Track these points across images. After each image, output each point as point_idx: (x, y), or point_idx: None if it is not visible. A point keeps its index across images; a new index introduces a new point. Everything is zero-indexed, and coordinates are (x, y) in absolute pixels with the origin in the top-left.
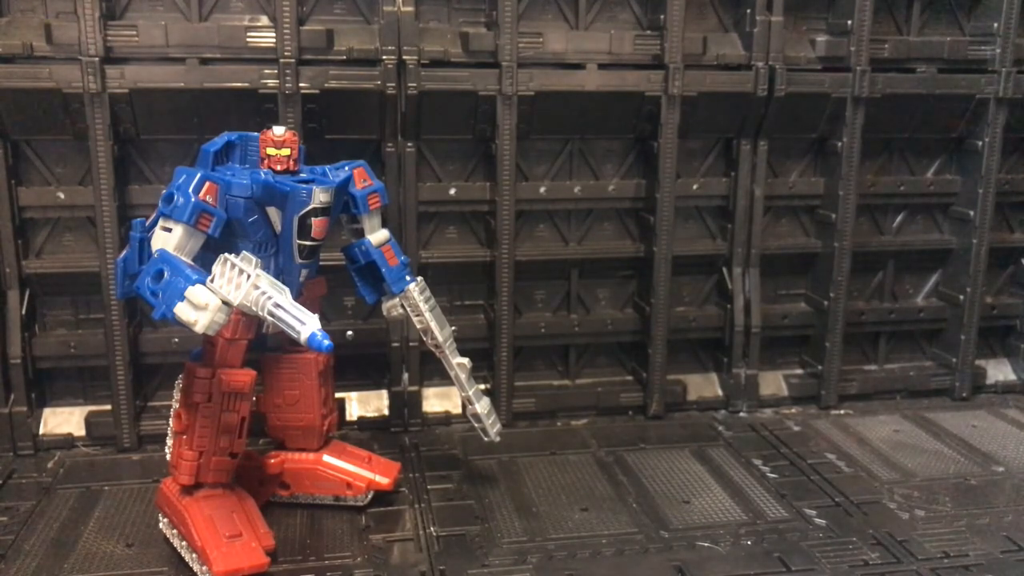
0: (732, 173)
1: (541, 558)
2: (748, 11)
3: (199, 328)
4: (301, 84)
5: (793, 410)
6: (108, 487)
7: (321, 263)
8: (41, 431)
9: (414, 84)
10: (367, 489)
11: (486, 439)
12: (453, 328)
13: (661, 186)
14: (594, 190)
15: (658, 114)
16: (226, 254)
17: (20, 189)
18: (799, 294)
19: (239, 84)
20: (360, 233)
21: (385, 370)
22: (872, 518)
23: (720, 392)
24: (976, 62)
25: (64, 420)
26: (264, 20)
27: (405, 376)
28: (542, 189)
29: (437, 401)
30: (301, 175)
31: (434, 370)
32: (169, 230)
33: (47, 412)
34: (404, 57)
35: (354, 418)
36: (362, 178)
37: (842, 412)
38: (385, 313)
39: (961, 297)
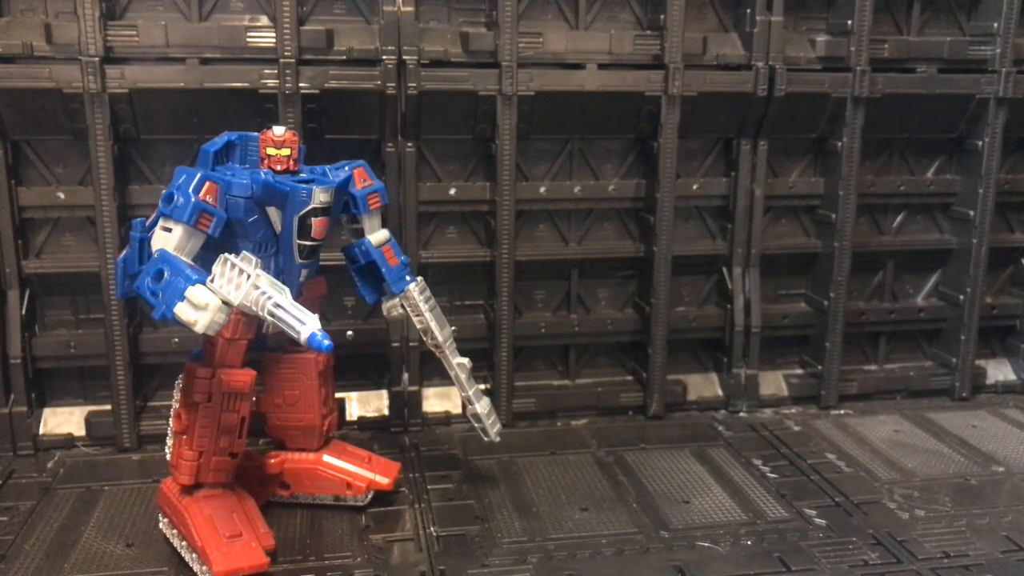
0: (732, 173)
1: (541, 558)
2: (748, 11)
3: (199, 328)
4: (301, 84)
5: (793, 410)
6: (108, 487)
7: (321, 263)
8: (41, 431)
9: (414, 84)
10: (367, 489)
11: (486, 439)
12: (453, 328)
13: (661, 186)
14: (594, 190)
15: (658, 114)
16: (226, 254)
17: (20, 189)
18: (799, 294)
19: (239, 84)
20: (360, 233)
21: (385, 370)
22: (872, 518)
23: (720, 392)
24: (976, 62)
25: (64, 420)
26: (264, 20)
27: (405, 376)
28: (542, 189)
29: (437, 401)
30: (301, 175)
31: (434, 370)
32: (169, 230)
33: (47, 412)
34: (404, 57)
35: (354, 418)
36: (362, 178)
37: (842, 412)
38: (385, 313)
39: (961, 297)
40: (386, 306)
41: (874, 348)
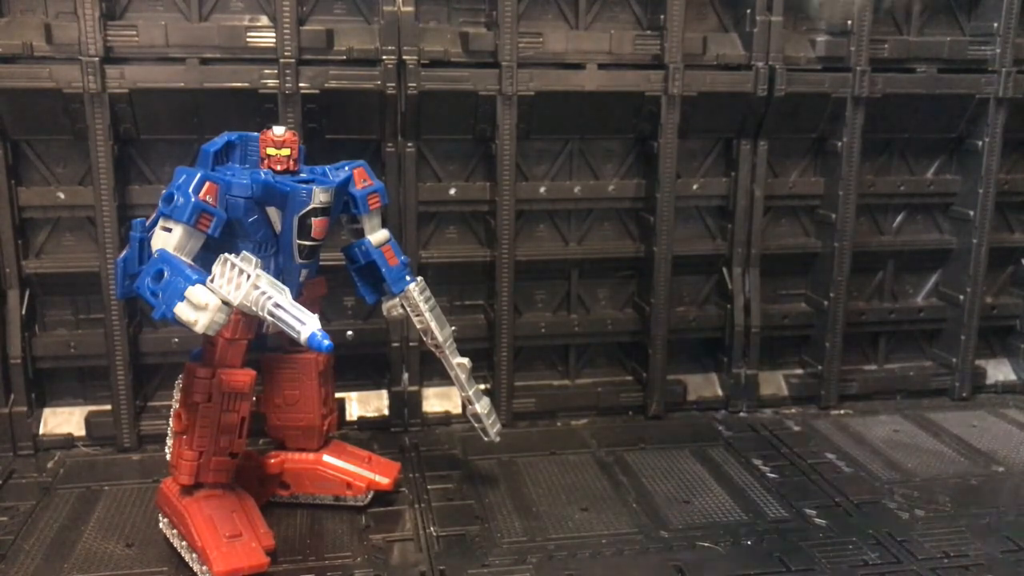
0: (732, 173)
1: (541, 558)
2: (748, 11)
3: (199, 328)
4: (301, 84)
5: (793, 410)
6: (108, 487)
7: (321, 263)
8: (41, 431)
9: (414, 84)
10: (367, 489)
11: (486, 439)
12: (453, 328)
13: (661, 186)
14: (594, 190)
15: (658, 114)
16: (226, 254)
17: (20, 189)
18: (799, 294)
19: (239, 84)
20: (360, 233)
21: (385, 370)
22: (872, 518)
23: (720, 392)
24: (976, 62)
25: (64, 420)
26: (264, 20)
27: (405, 376)
28: (542, 189)
29: (437, 401)
30: (301, 175)
31: (434, 370)
32: (169, 230)
33: (47, 412)
34: (404, 57)
35: (354, 418)
36: (362, 178)
37: (842, 412)
38: (385, 313)
39: (961, 297)
40: (386, 306)
41: (874, 348)
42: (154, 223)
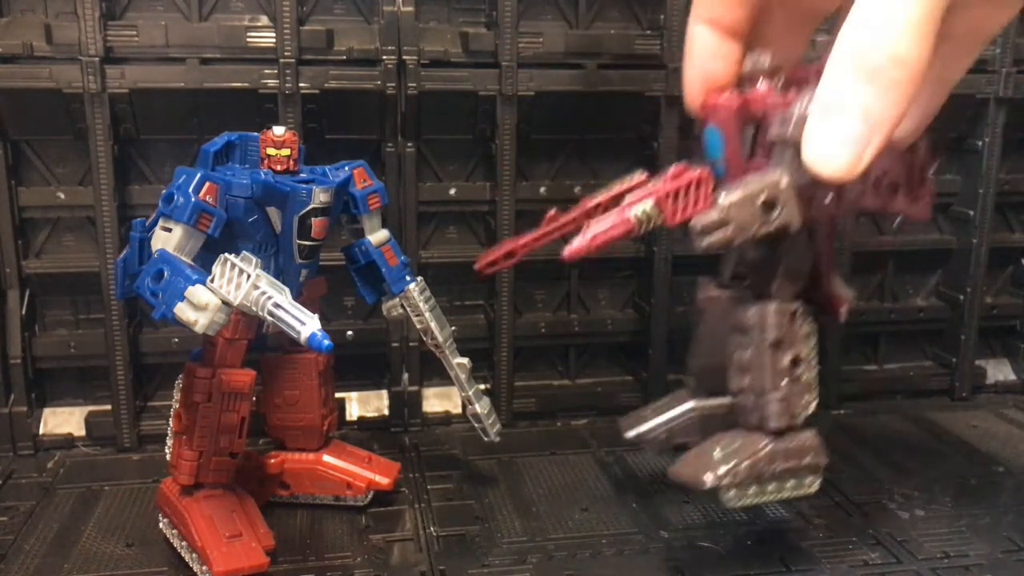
0: None
1: (541, 558)
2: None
3: (199, 328)
4: (301, 84)
5: None
6: (108, 487)
7: (321, 263)
8: (41, 431)
9: (414, 84)
10: (367, 489)
11: (486, 439)
12: (453, 328)
13: None
14: (594, 190)
15: (658, 114)
16: (226, 254)
17: (20, 189)
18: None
19: (239, 84)
20: (360, 233)
21: (385, 370)
22: (872, 518)
23: None
24: (976, 62)
25: (64, 420)
26: (264, 20)
27: (405, 376)
28: (542, 189)
29: (437, 401)
30: (301, 175)
31: (434, 370)
32: (169, 230)
33: (47, 412)
34: (404, 57)
35: (354, 418)
36: (362, 178)
37: (842, 412)
38: (385, 313)
39: (961, 297)
40: (386, 306)
41: (874, 348)
42: (154, 223)
